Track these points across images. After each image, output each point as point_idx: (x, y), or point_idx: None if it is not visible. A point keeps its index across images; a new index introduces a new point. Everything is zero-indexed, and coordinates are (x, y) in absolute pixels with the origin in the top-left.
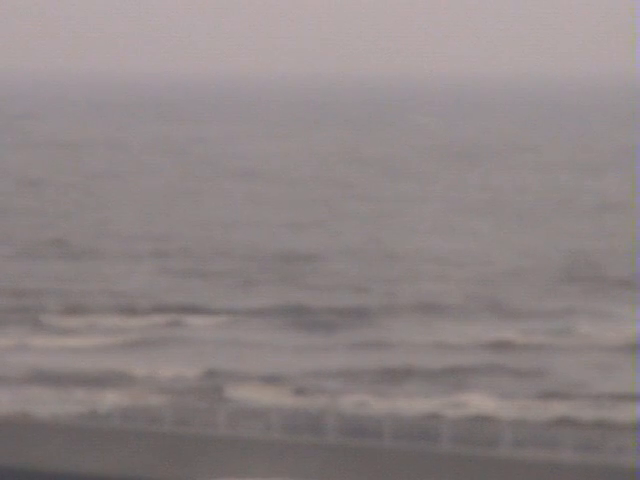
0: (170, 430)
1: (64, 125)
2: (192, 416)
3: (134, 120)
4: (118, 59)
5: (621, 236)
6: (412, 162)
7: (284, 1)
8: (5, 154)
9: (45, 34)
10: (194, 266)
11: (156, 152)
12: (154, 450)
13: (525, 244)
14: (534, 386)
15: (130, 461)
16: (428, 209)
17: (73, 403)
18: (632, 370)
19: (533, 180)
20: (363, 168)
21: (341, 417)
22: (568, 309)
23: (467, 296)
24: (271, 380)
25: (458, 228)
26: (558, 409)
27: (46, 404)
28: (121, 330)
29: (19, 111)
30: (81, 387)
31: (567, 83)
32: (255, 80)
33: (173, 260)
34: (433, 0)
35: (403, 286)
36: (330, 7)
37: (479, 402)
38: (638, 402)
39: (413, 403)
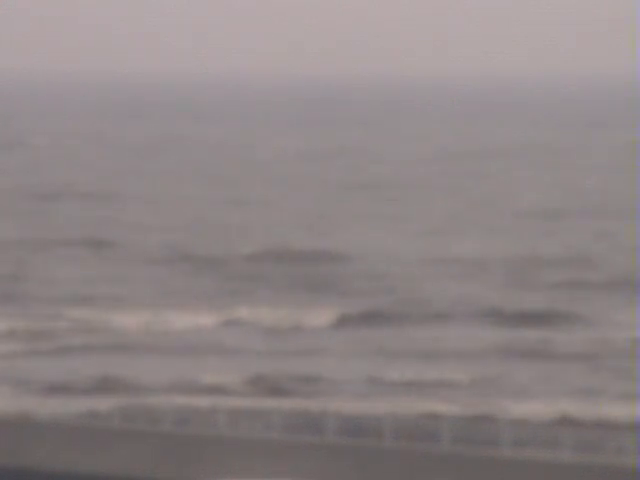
0: (170, 430)
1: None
2: (192, 416)
3: (141, 119)
4: (118, 59)
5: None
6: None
7: (289, 2)
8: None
9: (46, 34)
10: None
11: (165, 152)
12: (154, 450)
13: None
14: None
15: (130, 461)
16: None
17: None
18: None
19: (534, 180)
20: (373, 170)
21: (341, 417)
22: None
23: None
24: None
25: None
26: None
27: None
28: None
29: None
30: None
31: (567, 84)
32: (258, 81)
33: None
34: (434, 1)
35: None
36: (336, 8)
37: None
38: (638, 402)
39: None
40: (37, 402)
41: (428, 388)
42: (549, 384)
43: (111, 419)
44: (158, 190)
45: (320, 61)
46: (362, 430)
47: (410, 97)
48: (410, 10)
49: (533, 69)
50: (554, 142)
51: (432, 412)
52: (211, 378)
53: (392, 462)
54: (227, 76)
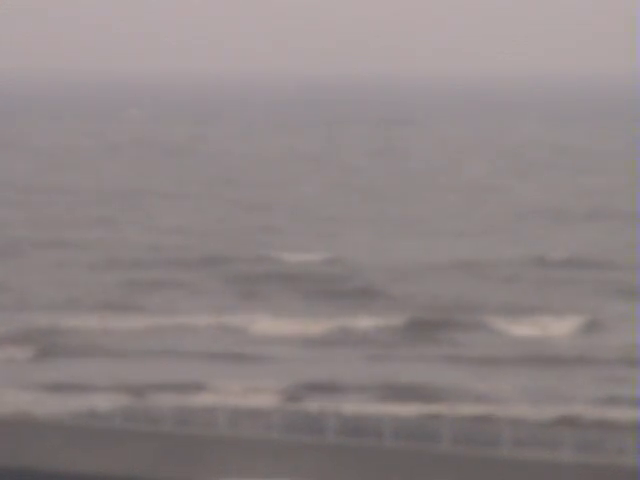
0: (170, 430)
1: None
2: (192, 416)
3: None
4: (118, 59)
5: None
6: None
7: (292, 3)
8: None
9: (48, 34)
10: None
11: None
12: (154, 450)
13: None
14: None
15: (130, 461)
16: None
17: None
18: None
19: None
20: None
21: (341, 417)
22: None
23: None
24: None
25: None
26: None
27: None
28: None
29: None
30: None
31: (569, 82)
32: (258, 81)
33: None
34: (434, 2)
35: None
36: (336, 8)
37: None
38: (638, 403)
39: None
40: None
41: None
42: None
43: (111, 419)
44: (150, 189)
45: (320, 61)
46: (362, 430)
47: (410, 97)
48: (410, 10)
49: (531, 69)
50: (556, 140)
51: (432, 412)
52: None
53: (392, 462)
54: (227, 76)
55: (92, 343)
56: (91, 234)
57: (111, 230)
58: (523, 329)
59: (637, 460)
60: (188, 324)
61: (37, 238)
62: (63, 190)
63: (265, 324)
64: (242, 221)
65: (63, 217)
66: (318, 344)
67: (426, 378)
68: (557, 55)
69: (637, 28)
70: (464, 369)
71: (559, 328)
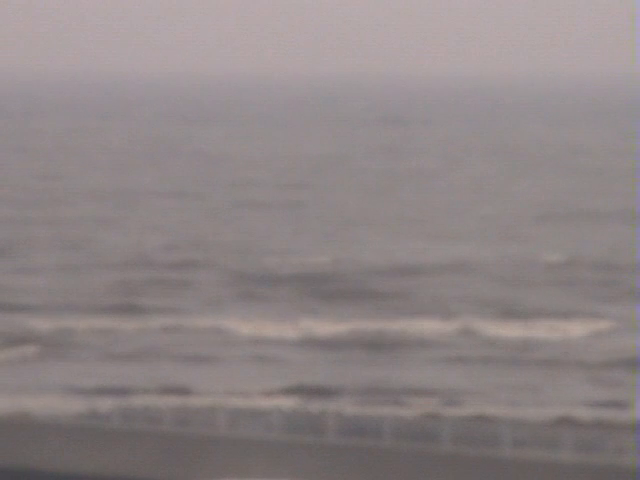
0: (170, 430)
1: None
2: (192, 416)
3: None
4: (114, 58)
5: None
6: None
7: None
8: None
9: (45, 33)
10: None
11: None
12: (154, 450)
13: None
14: None
15: (130, 461)
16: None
17: None
18: None
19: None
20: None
21: (341, 417)
22: None
23: None
24: None
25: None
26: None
27: None
28: None
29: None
30: None
31: (568, 83)
32: (255, 81)
33: None
34: (434, 2)
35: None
36: (336, 8)
37: None
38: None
39: None
40: None
41: None
42: None
43: (111, 419)
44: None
45: (320, 61)
46: (362, 430)
47: (410, 96)
48: (410, 10)
49: (531, 69)
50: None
51: (432, 412)
52: None
53: (392, 462)
54: (227, 76)
55: (78, 344)
56: (89, 233)
57: (113, 229)
58: (538, 332)
59: (637, 460)
60: (185, 326)
61: (32, 236)
62: (62, 189)
63: (262, 327)
64: (244, 222)
65: (60, 216)
66: (318, 347)
67: (439, 382)
68: (557, 55)
69: (637, 28)
70: (468, 370)
71: (574, 331)
